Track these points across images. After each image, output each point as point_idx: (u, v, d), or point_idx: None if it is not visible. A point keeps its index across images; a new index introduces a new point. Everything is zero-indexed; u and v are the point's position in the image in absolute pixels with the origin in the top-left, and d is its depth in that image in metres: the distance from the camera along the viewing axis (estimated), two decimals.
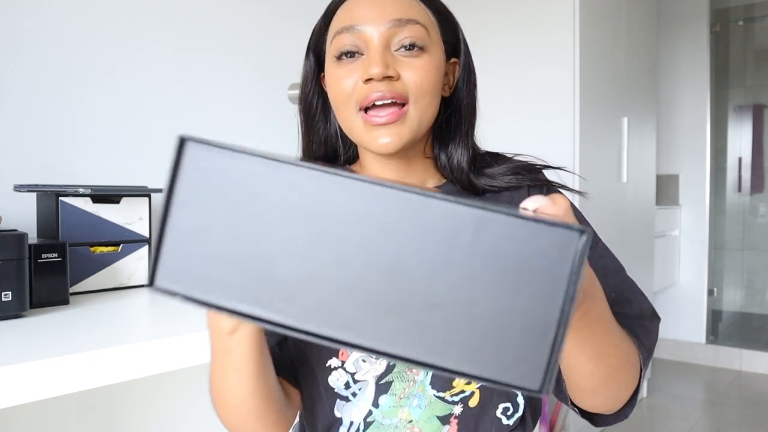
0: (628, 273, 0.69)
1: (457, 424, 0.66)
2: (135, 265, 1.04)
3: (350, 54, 0.65)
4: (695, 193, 3.22)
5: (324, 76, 0.70)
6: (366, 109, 0.64)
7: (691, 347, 3.19)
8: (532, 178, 0.70)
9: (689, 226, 3.23)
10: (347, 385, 0.68)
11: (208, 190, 0.31)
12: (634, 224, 2.38)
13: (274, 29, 1.57)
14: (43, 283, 0.83)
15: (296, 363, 0.71)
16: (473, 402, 0.66)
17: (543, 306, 0.29)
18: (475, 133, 0.73)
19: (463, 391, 0.67)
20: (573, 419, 1.86)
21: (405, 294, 0.29)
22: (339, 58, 0.65)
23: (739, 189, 3.44)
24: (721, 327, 3.42)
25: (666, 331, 3.21)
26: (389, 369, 0.68)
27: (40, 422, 1.05)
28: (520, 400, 0.68)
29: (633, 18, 2.32)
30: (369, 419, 0.67)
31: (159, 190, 1.05)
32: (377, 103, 0.63)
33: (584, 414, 0.64)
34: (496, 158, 0.73)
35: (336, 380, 0.68)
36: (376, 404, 0.67)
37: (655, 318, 0.66)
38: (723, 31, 3.39)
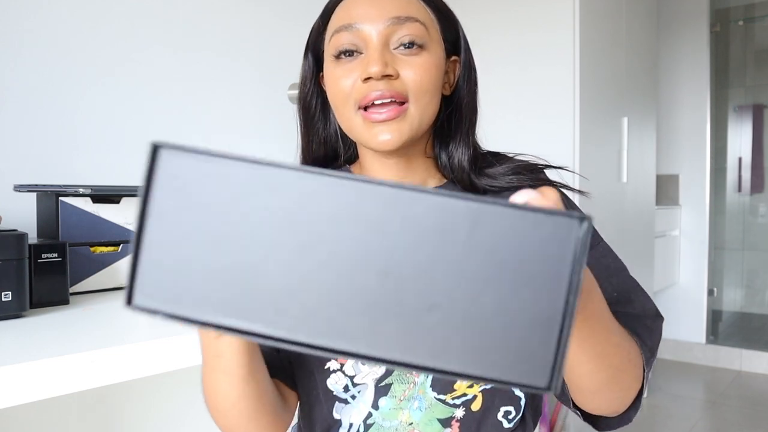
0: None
1: (459, 427, 0.66)
2: None
3: (349, 53, 0.64)
4: (695, 193, 3.22)
5: (323, 75, 0.69)
6: (365, 108, 0.63)
7: (691, 347, 3.19)
8: (533, 178, 0.69)
9: (689, 226, 3.23)
10: (346, 388, 0.67)
11: (185, 199, 0.29)
12: (634, 224, 2.38)
13: (274, 29, 1.57)
14: (43, 283, 0.83)
15: (294, 365, 0.70)
16: (476, 406, 0.66)
17: (546, 299, 0.28)
18: (476, 132, 0.72)
19: (465, 395, 0.66)
20: (573, 419, 1.85)
21: (400, 296, 0.28)
22: (337, 57, 0.65)
23: (739, 189, 3.44)
24: (721, 327, 3.42)
25: (666, 331, 3.20)
26: (389, 372, 0.67)
27: (40, 422, 1.04)
28: (522, 402, 0.68)
29: (633, 18, 2.32)
30: (369, 421, 0.67)
31: None
32: (376, 102, 0.62)
33: (587, 417, 0.63)
34: (497, 158, 0.72)
35: (335, 383, 0.68)
36: (375, 406, 0.67)
37: (658, 318, 0.65)
38: (723, 31, 3.39)
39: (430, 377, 0.67)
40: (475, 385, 0.66)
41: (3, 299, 0.74)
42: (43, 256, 0.83)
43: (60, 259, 0.84)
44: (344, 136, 0.73)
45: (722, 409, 2.54)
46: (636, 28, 2.36)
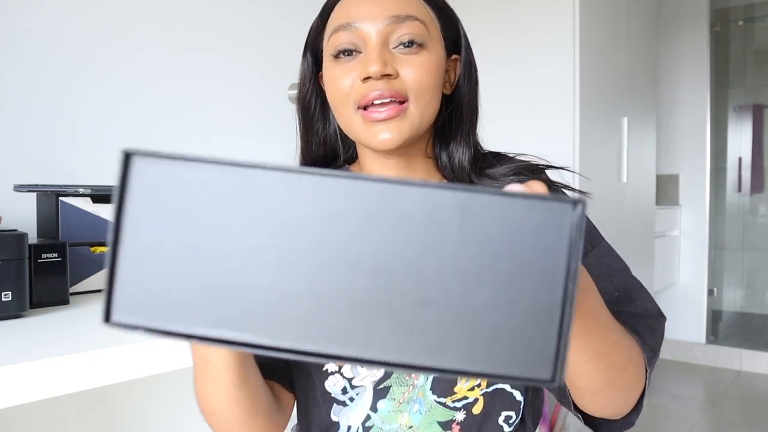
0: None
1: (459, 430, 0.65)
2: None
3: (348, 52, 0.63)
4: (695, 193, 3.22)
5: (322, 75, 0.69)
6: (365, 108, 0.62)
7: (691, 347, 3.19)
8: (534, 178, 0.68)
9: (689, 226, 3.23)
10: (344, 390, 0.67)
11: (161, 207, 0.28)
12: (634, 224, 2.38)
13: (274, 29, 1.57)
14: (43, 283, 0.83)
15: (291, 366, 0.70)
16: (477, 409, 0.66)
17: (544, 287, 0.27)
18: (477, 132, 0.71)
19: (465, 398, 0.66)
20: (573, 419, 1.85)
21: (392, 294, 0.27)
22: (336, 56, 0.64)
23: (739, 189, 3.44)
24: (721, 327, 3.42)
25: (666, 331, 3.20)
26: (387, 374, 0.67)
27: (40, 422, 1.04)
28: (522, 406, 0.67)
29: (633, 18, 2.32)
30: (368, 424, 0.66)
31: None
32: (375, 102, 0.61)
33: (588, 421, 0.62)
34: (498, 158, 0.71)
35: (333, 385, 0.67)
36: (374, 409, 0.66)
37: (660, 317, 0.64)
38: (723, 31, 3.39)
39: (430, 380, 0.66)
40: (476, 388, 0.66)
41: (3, 299, 0.74)
42: (43, 256, 0.83)
43: (60, 259, 0.84)
44: (344, 136, 0.73)
45: (722, 409, 2.54)
46: (636, 28, 2.36)
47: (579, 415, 0.61)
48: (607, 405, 0.57)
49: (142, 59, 1.29)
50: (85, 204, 0.98)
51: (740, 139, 3.45)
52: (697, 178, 3.22)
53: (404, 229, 0.27)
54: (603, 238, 0.69)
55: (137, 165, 0.28)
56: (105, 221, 1.00)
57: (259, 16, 1.54)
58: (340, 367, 0.67)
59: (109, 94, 1.23)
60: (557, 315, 0.27)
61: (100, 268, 0.99)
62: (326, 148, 0.74)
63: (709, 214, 3.20)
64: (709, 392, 2.79)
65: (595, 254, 0.67)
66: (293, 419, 0.73)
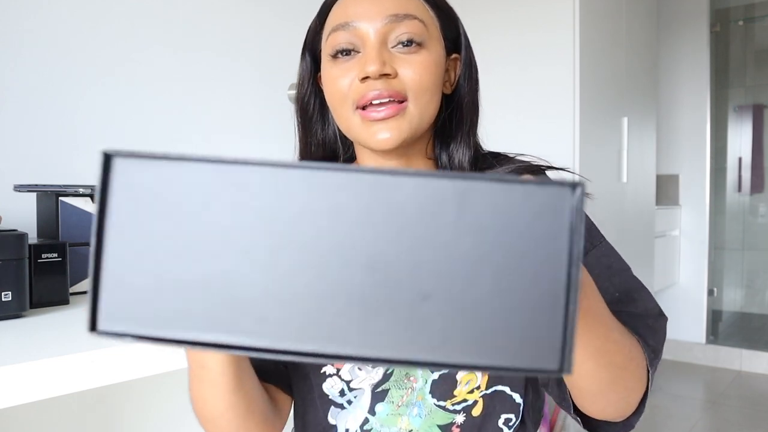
0: None
1: None
2: None
3: (346, 52, 0.63)
4: (695, 193, 3.22)
5: (321, 75, 0.68)
6: (364, 108, 0.62)
7: (691, 347, 3.19)
8: None
9: (689, 226, 3.23)
10: (342, 393, 0.66)
11: (146, 209, 0.26)
12: (634, 224, 2.38)
13: (274, 29, 1.57)
14: (43, 283, 0.83)
15: (289, 368, 0.70)
16: (476, 411, 0.65)
17: (547, 274, 0.25)
18: (477, 132, 0.71)
19: (465, 400, 0.65)
20: (573, 420, 1.85)
21: (390, 289, 0.26)
22: (334, 56, 0.63)
23: (739, 189, 3.44)
24: (721, 327, 3.42)
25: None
26: (386, 377, 0.66)
27: (40, 422, 1.04)
28: (521, 408, 0.67)
29: (633, 18, 2.32)
30: (366, 427, 0.66)
31: None
32: (374, 102, 0.61)
33: (587, 424, 0.61)
34: (498, 159, 0.71)
35: (330, 387, 0.67)
36: (372, 412, 0.66)
37: (661, 317, 0.63)
38: (723, 31, 3.39)
39: (429, 383, 0.66)
40: (475, 390, 0.66)
41: (3, 299, 0.74)
42: (43, 256, 0.83)
43: (60, 259, 0.84)
44: (343, 137, 0.72)
45: (722, 409, 2.54)
46: (636, 28, 2.36)
47: (578, 419, 0.60)
48: (607, 406, 0.56)
49: (142, 59, 1.29)
50: (85, 204, 0.98)
51: (740, 139, 3.45)
52: (697, 178, 3.22)
53: (400, 221, 0.26)
54: (604, 238, 0.68)
55: (118, 166, 0.27)
56: None
57: (259, 16, 1.54)
58: (339, 369, 0.67)
59: (109, 94, 1.23)
60: (562, 301, 0.26)
61: None
62: (325, 148, 0.73)
63: (709, 214, 3.20)
64: (709, 392, 2.79)
65: (596, 254, 0.66)
66: (289, 422, 0.73)
